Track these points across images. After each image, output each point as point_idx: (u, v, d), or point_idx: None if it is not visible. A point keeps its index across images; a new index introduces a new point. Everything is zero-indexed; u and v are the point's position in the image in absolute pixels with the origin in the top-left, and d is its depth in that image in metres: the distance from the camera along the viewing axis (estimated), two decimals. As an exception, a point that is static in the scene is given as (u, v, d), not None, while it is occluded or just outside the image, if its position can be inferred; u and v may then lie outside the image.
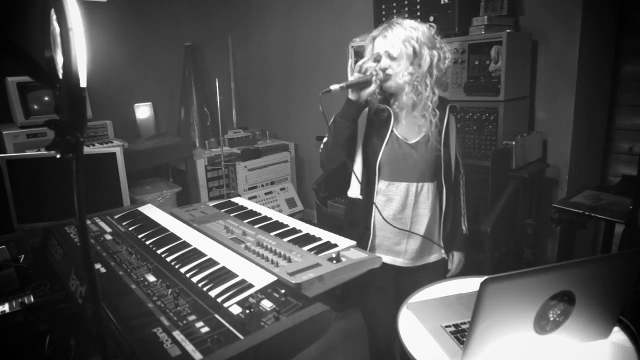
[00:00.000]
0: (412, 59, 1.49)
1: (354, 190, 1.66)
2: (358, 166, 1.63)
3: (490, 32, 2.25)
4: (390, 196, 1.60)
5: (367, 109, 1.62)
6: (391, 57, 1.52)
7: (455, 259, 1.73)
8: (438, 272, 1.71)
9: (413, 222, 1.62)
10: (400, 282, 1.71)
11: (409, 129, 1.60)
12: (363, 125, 1.63)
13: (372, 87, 1.49)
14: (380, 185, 1.61)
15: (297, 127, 4.02)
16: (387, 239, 1.64)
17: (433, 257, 1.70)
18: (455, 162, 1.66)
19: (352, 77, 1.50)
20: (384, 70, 1.52)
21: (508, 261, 2.33)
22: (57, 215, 1.58)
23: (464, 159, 1.75)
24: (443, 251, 1.70)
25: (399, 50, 1.49)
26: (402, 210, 1.60)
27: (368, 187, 1.62)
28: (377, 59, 1.54)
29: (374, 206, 1.60)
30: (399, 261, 1.65)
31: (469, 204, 1.74)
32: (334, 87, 1.46)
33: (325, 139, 1.60)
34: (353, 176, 1.65)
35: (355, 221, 1.66)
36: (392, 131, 1.58)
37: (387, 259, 1.63)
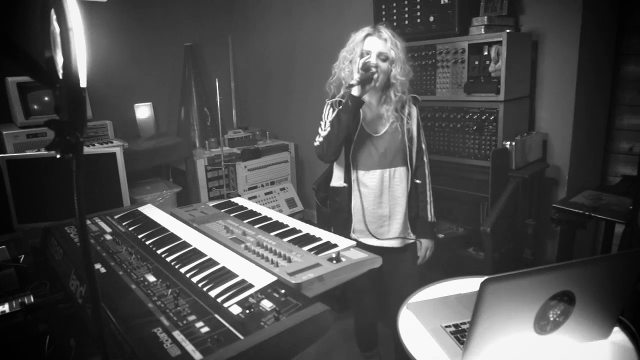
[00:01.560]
0: (403, 64, 1.70)
1: (339, 180, 1.82)
2: (341, 158, 1.80)
3: (490, 32, 2.25)
4: (367, 183, 1.77)
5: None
6: (383, 58, 1.68)
7: (423, 246, 1.86)
8: (416, 251, 1.86)
9: (391, 204, 1.79)
10: (385, 261, 1.76)
11: (374, 122, 1.78)
12: None
13: (372, 83, 1.65)
14: (358, 175, 1.78)
15: (297, 127, 4.02)
16: (370, 223, 1.79)
17: (412, 237, 1.85)
18: (417, 150, 1.81)
19: (358, 74, 1.64)
20: (376, 67, 1.68)
21: (508, 261, 2.32)
22: (57, 215, 1.58)
23: (430, 154, 1.92)
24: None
25: (395, 54, 1.68)
26: (380, 194, 1.77)
27: (348, 176, 1.80)
28: (363, 55, 1.69)
29: (352, 193, 1.79)
30: (384, 242, 1.80)
31: (435, 192, 1.88)
32: (353, 81, 1.62)
33: (324, 133, 1.72)
34: (335, 167, 1.84)
35: (341, 208, 1.83)
36: (360, 127, 1.75)
37: (372, 241, 1.80)
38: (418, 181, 1.84)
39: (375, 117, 1.78)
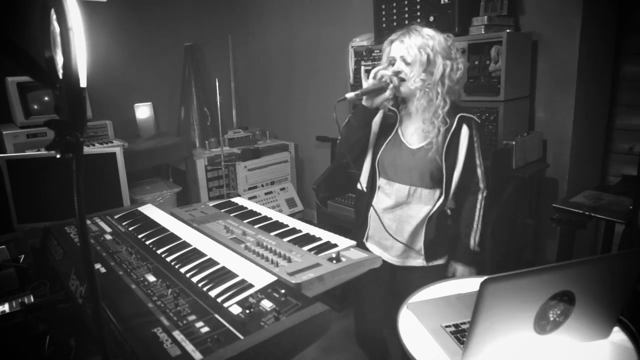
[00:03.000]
0: (426, 66, 1.52)
1: (361, 183, 1.76)
2: (368, 161, 1.72)
3: (490, 32, 2.25)
4: (387, 193, 1.68)
5: (381, 111, 1.67)
6: (405, 62, 1.55)
7: (458, 272, 1.64)
8: (428, 278, 1.53)
9: (401, 220, 1.66)
10: (391, 278, 1.75)
11: (415, 133, 1.63)
12: (377, 124, 1.70)
13: (387, 94, 1.53)
14: (381, 182, 1.70)
15: (297, 127, 4.02)
16: (378, 231, 1.71)
17: (420, 262, 1.66)
18: (469, 175, 1.61)
19: (367, 83, 1.55)
20: (397, 73, 1.55)
21: (508, 261, 2.32)
22: (57, 215, 1.58)
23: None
24: (423, 258, 1.65)
25: (414, 55, 1.52)
26: (393, 208, 1.66)
27: (372, 182, 1.71)
28: (392, 63, 1.59)
29: (372, 199, 1.71)
30: (386, 256, 1.70)
31: (486, 220, 1.64)
32: (350, 95, 1.50)
33: (341, 136, 1.69)
34: (363, 169, 1.75)
35: (359, 211, 1.78)
36: (395, 134, 1.65)
37: (378, 251, 1.72)
38: (451, 208, 1.65)
39: (418, 127, 1.61)
